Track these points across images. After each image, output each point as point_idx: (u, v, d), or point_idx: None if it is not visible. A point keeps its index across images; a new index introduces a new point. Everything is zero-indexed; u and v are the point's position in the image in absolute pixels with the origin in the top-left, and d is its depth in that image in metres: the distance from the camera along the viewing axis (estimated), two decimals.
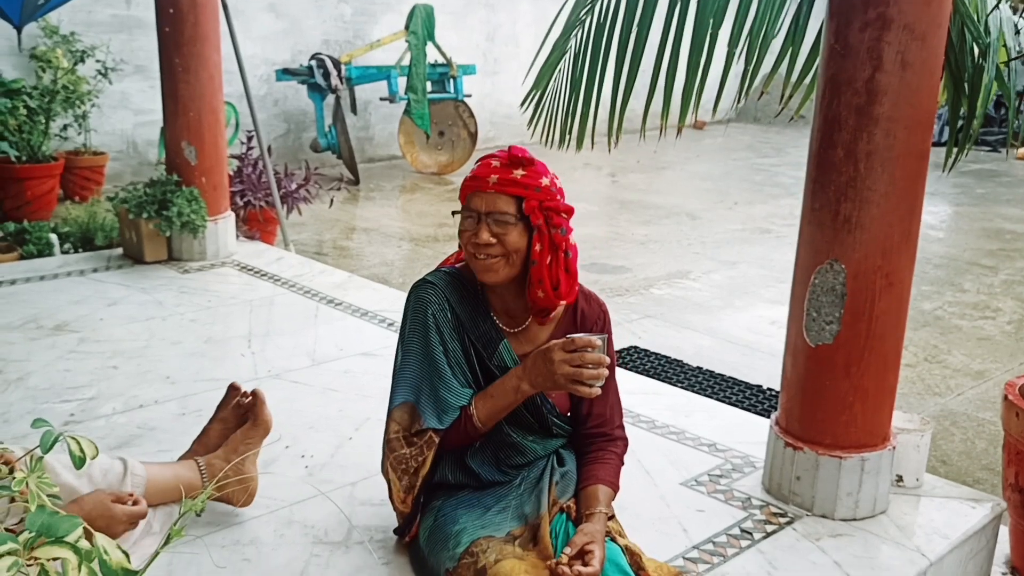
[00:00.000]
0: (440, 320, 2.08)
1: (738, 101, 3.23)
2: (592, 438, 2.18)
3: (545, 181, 2.00)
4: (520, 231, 1.98)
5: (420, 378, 2.08)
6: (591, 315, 2.16)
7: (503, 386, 2.00)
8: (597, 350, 1.90)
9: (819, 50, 2.48)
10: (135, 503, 2.03)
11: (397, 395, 2.11)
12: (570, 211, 2.04)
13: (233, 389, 2.47)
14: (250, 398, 2.43)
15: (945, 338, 5.07)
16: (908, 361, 4.62)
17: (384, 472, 2.12)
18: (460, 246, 2.12)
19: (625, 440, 2.21)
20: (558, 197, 2.02)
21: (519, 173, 1.99)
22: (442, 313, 2.08)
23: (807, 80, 2.93)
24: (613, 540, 1.96)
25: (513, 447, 2.13)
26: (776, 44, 2.88)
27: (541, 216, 1.98)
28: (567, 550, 1.84)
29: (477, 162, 2.06)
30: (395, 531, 2.26)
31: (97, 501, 1.95)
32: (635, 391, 3.34)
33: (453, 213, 2.09)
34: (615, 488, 2.11)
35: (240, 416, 2.43)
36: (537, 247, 1.99)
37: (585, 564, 1.81)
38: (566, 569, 1.79)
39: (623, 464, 2.18)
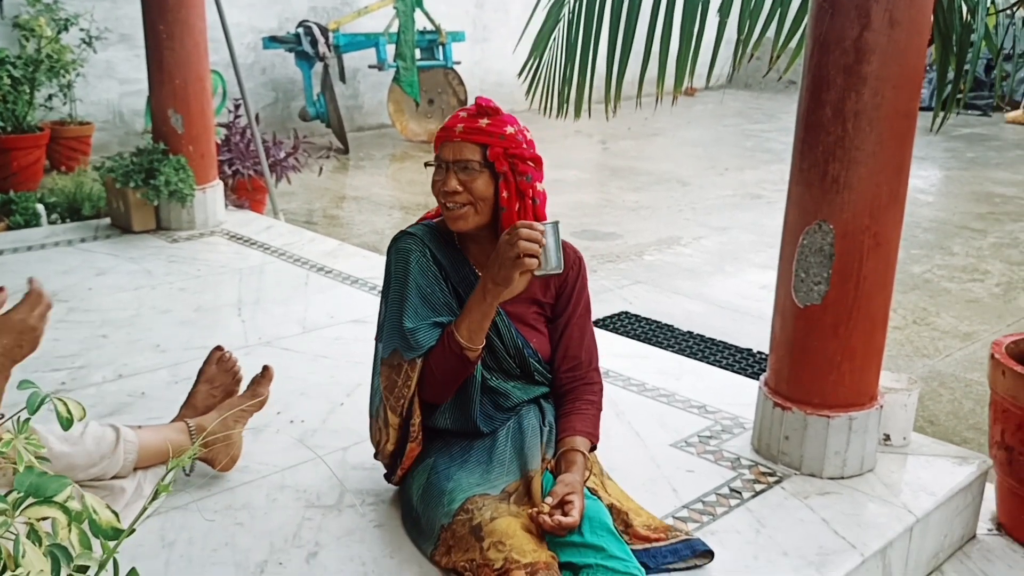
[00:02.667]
0: (423, 266, 2.11)
1: (735, 70, 3.22)
2: (569, 381, 2.21)
3: (510, 130, 2.06)
4: (486, 179, 2.04)
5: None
6: (566, 260, 2.20)
7: (473, 296, 2.03)
8: (543, 234, 1.93)
9: (806, 11, 2.47)
10: None
11: (385, 347, 2.14)
12: (537, 160, 2.10)
13: (217, 349, 2.51)
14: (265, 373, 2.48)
15: (934, 301, 5.09)
16: (897, 324, 4.65)
17: (373, 418, 2.19)
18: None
19: (600, 384, 2.26)
20: (524, 146, 2.07)
21: (484, 122, 2.05)
22: (424, 260, 2.12)
23: (794, 42, 2.92)
24: (598, 498, 1.98)
25: (495, 392, 2.16)
26: (765, 8, 2.86)
27: (506, 163, 2.04)
28: (548, 499, 1.88)
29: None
30: (385, 476, 2.30)
31: None
32: (625, 354, 3.35)
33: (426, 164, 2.14)
34: (593, 437, 2.15)
35: (229, 377, 2.47)
36: (504, 194, 2.05)
37: (565, 514, 1.84)
38: (547, 518, 1.83)
39: (601, 410, 2.22)
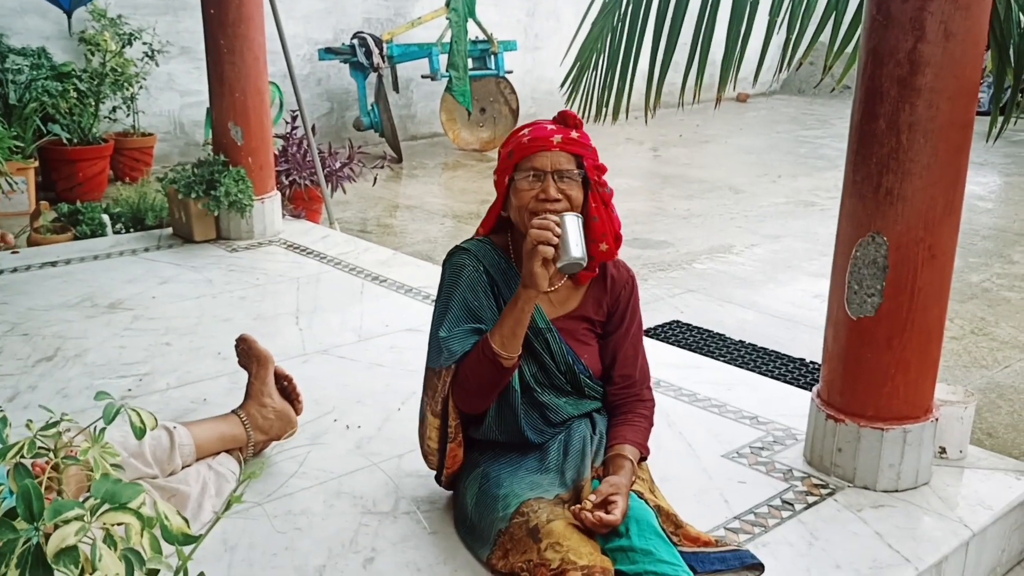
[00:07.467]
0: (473, 281, 2.16)
1: (779, 71, 3.22)
2: (621, 398, 2.24)
3: (593, 143, 2.14)
4: (579, 188, 2.09)
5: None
6: (620, 279, 2.26)
7: (507, 304, 2.06)
8: (561, 225, 1.96)
9: (861, 19, 2.47)
10: None
11: (428, 357, 2.21)
12: (606, 171, 2.17)
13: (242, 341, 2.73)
14: (242, 345, 2.69)
15: (993, 310, 5.00)
16: (955, 334, 4.58)
17: (419, 421, 2.26)
18: (497, 213, 2.20)
19: (653, 401, 2.29)
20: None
21: (576, 134, 2.11)
22: (477, 275, 2.16)
23: (849, 49, 2.91)
24: (645, 500, 2.01)
25: (545, 407, 2.19)
26: (818, 12, 2.85)
27: (596, 174, 2.11)
28: (592, 497, 1.93)
29: (524, 129, 2.15)
30: (435, 478, 2.36)
31: None
32: (677, 365, 3.36)
33: (510, 180, 2.11)
34: (642, 448, 2.18)
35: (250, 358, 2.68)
36: (593, 204, 2.11)
37: (608, 512, 1.88)
38: (588, 514, 1.88)
39: (652, 425, 2.25)
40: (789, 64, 2.86)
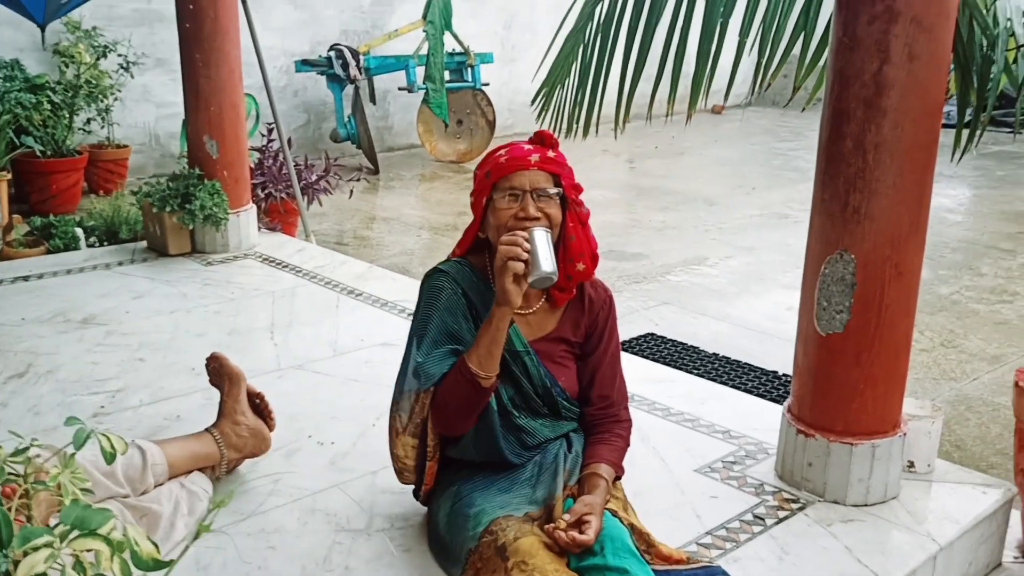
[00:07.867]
0: (452, 304, 2.15)
1: (752, 93, 3.26)
2: (598, 419, 2.25)
3: (569, 158, 2.16)
4: (558, 207, 2.10)
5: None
6: (598, 300, 2.27)
7: (483, 324, 2.07)
8: (531, 241, 1.98)
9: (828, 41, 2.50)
10: None
11: (401, 379, 2.20)
12: (582, 191, 2.19)
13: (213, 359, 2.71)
14: (213, 364, 2.67)
15: (962, 322, 5.07)
16: (924, 346, 4.64)
17: (391, 436, 2.21)
18: (475, 234, 2.20)
19: (630, 421, 2.30)
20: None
21: (552, 153, 2.13)
22: (456, 298, 2.16)
23: (820, 65, 2.95)
24: (619, 519, 2.02)
25: (522, 430, 2.19)
26: (788, 30, 2.89)
27: (573, 193, 2.13)
28: (566, 516, 1.94)
29: (500, 149, 2.15)
30: (413, 493, 2.35)
31: None
32: (651, 379, 3.38)
33: (487, 200, 2.12)
34: (618, 467, 2.19)
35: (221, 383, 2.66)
36: (571, 223, 2.12)
37: (581, 532, 1.89)
38: (562, 534, 1.89)
39: (628, 445, 2.26)
40: (761, 85, 2.89)
